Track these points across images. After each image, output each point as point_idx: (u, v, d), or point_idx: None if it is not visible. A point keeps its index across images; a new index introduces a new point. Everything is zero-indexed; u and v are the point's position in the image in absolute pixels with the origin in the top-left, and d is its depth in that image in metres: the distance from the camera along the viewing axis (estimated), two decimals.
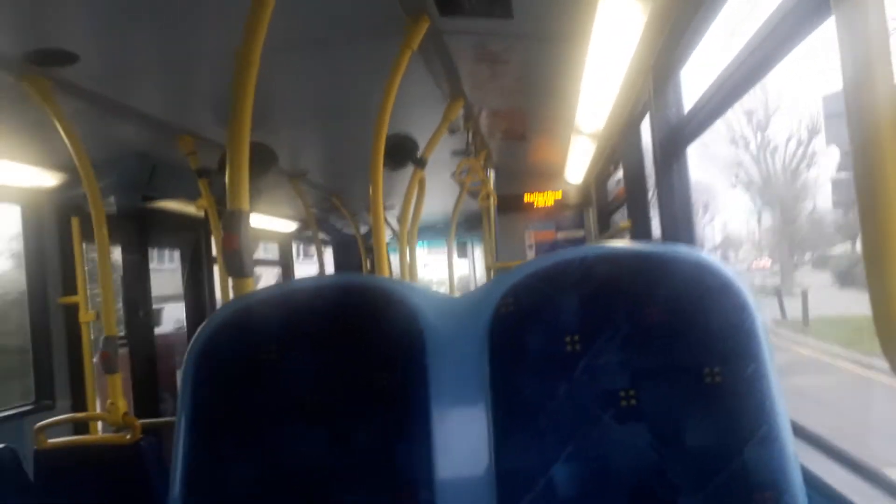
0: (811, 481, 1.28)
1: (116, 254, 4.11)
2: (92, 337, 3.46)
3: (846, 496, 1.28)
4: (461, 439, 1.03)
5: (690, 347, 0.99)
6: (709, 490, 0.94)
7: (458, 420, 1.04)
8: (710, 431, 0.96)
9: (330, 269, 7.96)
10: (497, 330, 1.05)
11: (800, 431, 1.61)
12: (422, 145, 3.53)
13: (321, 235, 6.84)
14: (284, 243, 7.09)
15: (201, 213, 3.96)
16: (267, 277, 8.32)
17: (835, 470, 1.42)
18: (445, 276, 6.26)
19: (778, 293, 14.89)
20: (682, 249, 1.06)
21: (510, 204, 5.98)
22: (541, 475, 0.99)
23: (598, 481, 0.98)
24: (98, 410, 3.47)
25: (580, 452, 0.99)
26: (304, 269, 8.60)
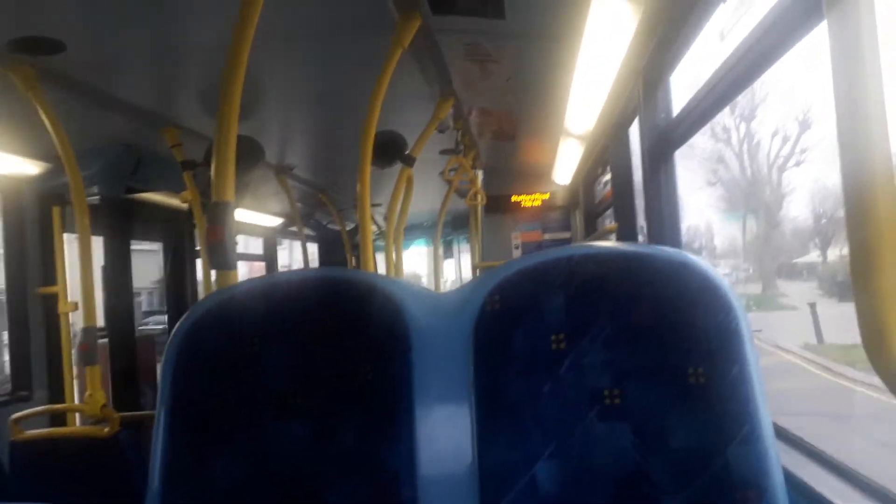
0: (792, 482, 1.29)
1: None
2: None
3: (826, 497, 1.29)
4: (444, 435, 1.03)
5: (675, 347, 0.99)
6: (691, 489, 0.95)
7: (442, 416, 1.04)
8: (693, 431, 0.96)
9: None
10: (482, 327, 1.05)
11: (781, 433, 1.62)
12: (410, 143, 3.52)
13: (306, 231, 6.81)
14: (269, 238, 7.05)
15: (185, 206, 3.93)
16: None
17: (815, 471, 1.43)
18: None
19: (812, 308, 11.72)
20: (667, 250, 1.06)
21: (498, 204, 6.00)
22: (524, 472, 0.99)
23: (581, 479, 0.98)
24: (76, 402, 3.43)
25: (564, 450, 0.99)
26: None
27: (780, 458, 0.96)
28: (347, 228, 7.13)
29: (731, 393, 0.96)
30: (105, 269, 4.09)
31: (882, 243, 0.87)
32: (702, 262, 1.03)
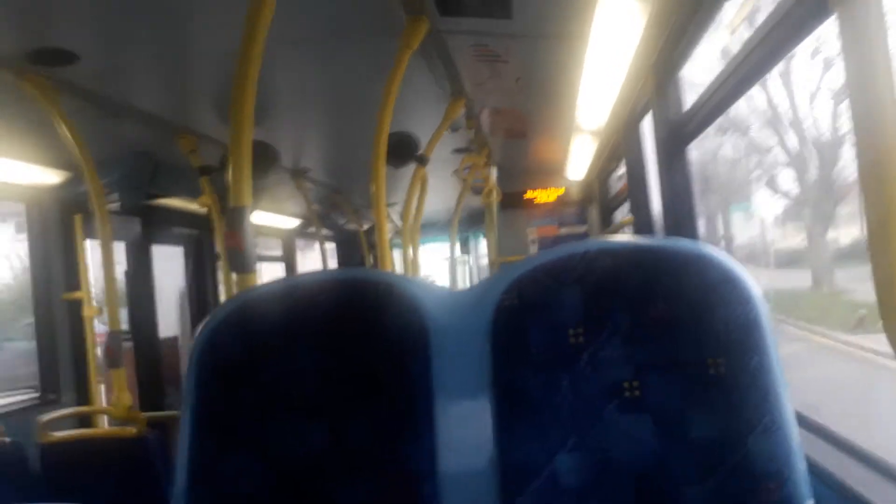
0: (816, 471, 1.28)
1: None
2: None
3: (851, 486, 1.28)
4: (464, 432, 1.04)
5: (694, 340, 0.99)
6: (713, 480, 0.95)
7: (462, 413, 1.05)
8: (713, 422, 0.97)
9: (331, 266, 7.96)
10: (500, 323, 1.06)
11: (804, 421, 1.61)
12: (423, 143, 3.54)
13: (324, 232, 6.85)
14: (287, 240, 7.11)
15: (204, 211, 3.98)
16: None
17: (841, 459, 1.42)
18: None
19: None
20: (684, 243, 1.06)
21: (513, 200, 6.00)
22: (544, 466, 0.99)
23: (601, 472, 0.98)
24: (103, 405, 3.49)
25: (584, 443, 0.99)
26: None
27: (802, 448, 0.96)
28: (364, 228, 7.16)
29: (751, 383, 0.96)
30: (128, 274, 4.16)
31: None
32: (720, 253, 1.03)
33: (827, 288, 9.95)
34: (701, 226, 2.74)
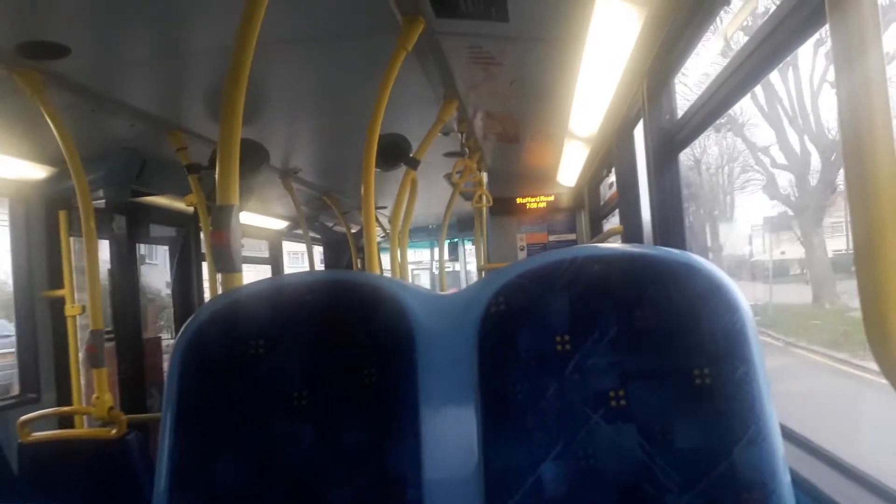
0: (799, 483, 1.28)
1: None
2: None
3: (834, 498, 1.28)
4: (450, 437, 1.03)
5: (681, 349, 0.99)
6: (697, 490, 0.95)
7: (447, 418, 1.04)
8: (699, 432, 0.96)
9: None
10: (487, 328, 1.05)
11: (788, 434, 1.61)
12: (415, 146, 3.53)
13: (312, 234, 6.82)
14: (274, 242, 7.07)
15: (191, 209, 3.94)
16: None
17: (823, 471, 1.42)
18: None
19: None
20: (673, 251, 1.06)
21: (503, 206, 6.00)
22: (529, 474, 0.99)
23: (586, 480, 0.98)
24: (84, 405, 3.45)
25: (569, 451, 0.99)
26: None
27: (786, 459, 0.96)
28: (353, 231, 7.14)
29: (736, 394, 0.96)
30: (112, 273, 4.11)
31: (884, 235, 0.89)
32: (707, 263, 1.03)
33: (829, 304, 9.09)
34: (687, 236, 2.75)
